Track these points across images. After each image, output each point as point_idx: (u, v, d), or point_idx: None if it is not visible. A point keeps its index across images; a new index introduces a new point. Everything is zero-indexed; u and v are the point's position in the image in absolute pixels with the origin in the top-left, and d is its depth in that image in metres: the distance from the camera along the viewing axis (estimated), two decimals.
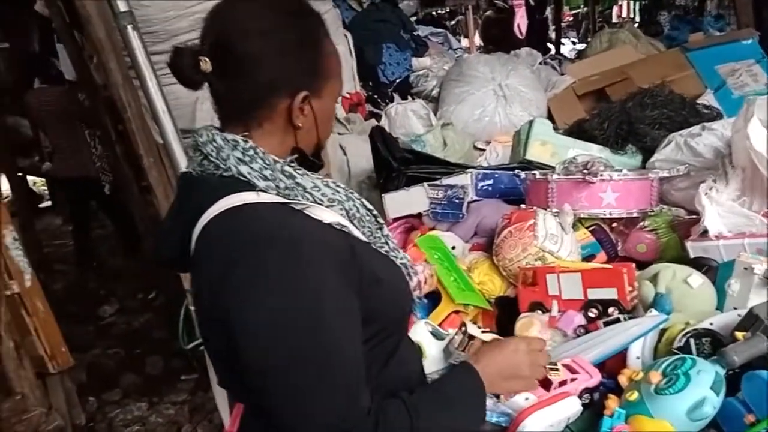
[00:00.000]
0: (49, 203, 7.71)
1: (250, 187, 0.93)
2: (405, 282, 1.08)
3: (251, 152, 0.93)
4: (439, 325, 1.41)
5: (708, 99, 2.50)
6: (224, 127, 1.00)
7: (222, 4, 0.98)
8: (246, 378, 0.88)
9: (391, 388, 0.97)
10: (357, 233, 0.99)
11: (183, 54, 0.95)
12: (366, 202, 1.06)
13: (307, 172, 0.98)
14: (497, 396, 1.22)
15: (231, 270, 0.86)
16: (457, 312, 1.57)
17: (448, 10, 10.28)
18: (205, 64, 0.94)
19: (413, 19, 5.26)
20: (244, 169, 0.93)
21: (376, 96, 3.73)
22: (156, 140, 2.47)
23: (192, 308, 2.33)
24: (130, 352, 4.11)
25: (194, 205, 0.95)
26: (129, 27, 2.08)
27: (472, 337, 1.14)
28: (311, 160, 1.04)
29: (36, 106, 4.74)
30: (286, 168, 0.95)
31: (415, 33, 4.22)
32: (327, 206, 0.96)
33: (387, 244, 1.07)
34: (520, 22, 3.65)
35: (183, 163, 2.17)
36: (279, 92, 0.96)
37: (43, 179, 7.36)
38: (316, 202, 0.95)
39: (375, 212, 1.07)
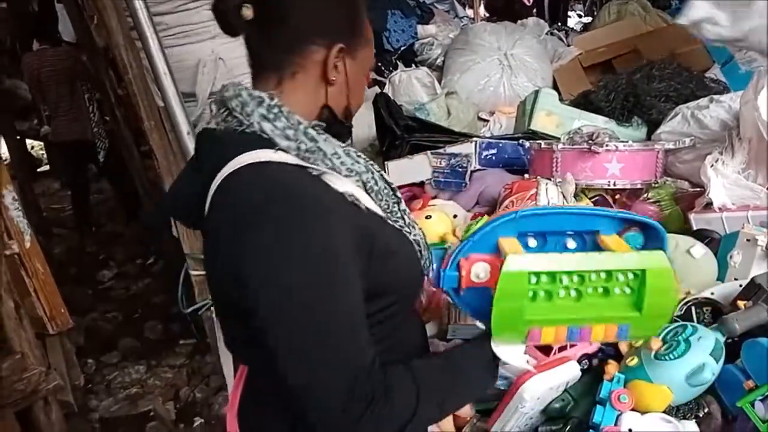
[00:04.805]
0: (47, 167, 7.67)
1: (270, 145, 0.91)
2: (417, 258, 1.06)
3: (276, 110, 0.92)
4: None
5: (715, 73, 2.47)
6: (255, 84, 0.99)
7: None
8: (260, 339, 0.87)
9: (393, 359, 0.96)
10: (373, 206, 0.98)
11: None
12: (386, 175, 1.04)
13: (330, 138, 0.96)
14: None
15: (244, 232, 0.84)
16: None
17: None
18: (248, 11, 0.93)
19: None
20: (267, 126, 0.91)
21: (380, 63, 3.67)
22: (157, 103, 2.45)
23: (192, 272, 2.33)
24: (128, 317, 4.14)
25: (214, 161, 0.93)
26: None
27: None
28: (339, 123, 1.03)
29: (37, 67, 4.67)
30: (309, 130, 0.93)
31: (420, 0, 4.16)
32: (345, 175, 0.95)
33: (403, 218, 1.05)
34: None
35: (184, 127, 2.15)
36: (316, 41, 0.95)
37: (42, 143, 7.31)
38: (334, 169, 0.94)
39: (394, 186, 1.06)
